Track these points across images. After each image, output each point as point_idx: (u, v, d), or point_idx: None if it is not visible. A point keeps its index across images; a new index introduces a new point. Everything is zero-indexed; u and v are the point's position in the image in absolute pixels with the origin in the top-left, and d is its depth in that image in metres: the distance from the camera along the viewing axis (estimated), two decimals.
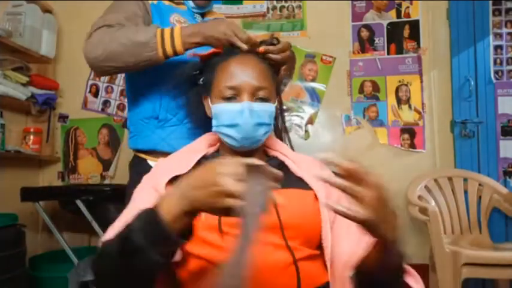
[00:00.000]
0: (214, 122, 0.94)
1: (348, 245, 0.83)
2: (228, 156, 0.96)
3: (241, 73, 0.90)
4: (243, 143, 0.91)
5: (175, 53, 1.05)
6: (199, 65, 1.01)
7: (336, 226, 0.88)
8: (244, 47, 0.96)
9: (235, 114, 0.89)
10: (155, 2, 1.20)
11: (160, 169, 0.93)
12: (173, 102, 1.17)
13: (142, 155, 1.22)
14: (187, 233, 0.67)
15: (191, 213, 0.65)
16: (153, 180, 0.89)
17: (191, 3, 1.26)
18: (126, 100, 2.76)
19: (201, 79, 1.00)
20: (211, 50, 0.99)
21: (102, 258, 0.70)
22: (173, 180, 0.88)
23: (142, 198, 0.87)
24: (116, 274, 0.67)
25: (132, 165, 1.27)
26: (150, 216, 0.64)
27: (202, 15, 1.31)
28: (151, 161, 1.20)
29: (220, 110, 0.91)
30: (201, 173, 0.65)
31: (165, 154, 1.14)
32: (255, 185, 0.61)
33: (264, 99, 0.91)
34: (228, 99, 0.90)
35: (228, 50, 0.98)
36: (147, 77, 1.18)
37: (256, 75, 0.91)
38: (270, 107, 0.93)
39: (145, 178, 0.93)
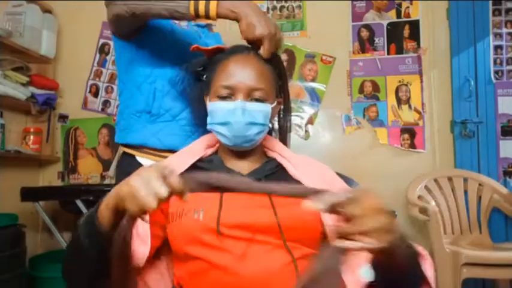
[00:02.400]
0: (209, 119, 0.94)
1: None
2: (226, 156, 0.96)
3: (238, 73, 0.90)
4: (235, 141, 0.91)
5: (207, 13, 0.96)
6: (204, 61, 1.01)
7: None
8: (265, 55, 0.93)
9: (228, 112, 0.90)
10: None
11: None
12: (167, 97, 1.16)
13: (131, 151, 1.19)
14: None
15: (117, 211, 0.64)
16: None
17: None
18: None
19: (204, 76, 1.00)
20: (215, 46, 0.99)
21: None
22: None
23: None
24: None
25: (121, 163, 1.24)
26: (90, 216, 0.68)
27: None
28: (140, 158, 1.17)
29: (214, 108, 0.92)
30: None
31: (155, 150, 1.15)
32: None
33: (259, 100, 0.91)
34: (223, 98, 0.91)
35: (232, 48, 0.98)
36: (142, 69, 1.16)
37: (254, 76, 0.90)
38: (265, 107, 0.92)
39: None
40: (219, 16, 0.96)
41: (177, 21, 1.21)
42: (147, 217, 0.60)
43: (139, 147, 1.18)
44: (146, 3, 0.99)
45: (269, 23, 0.93)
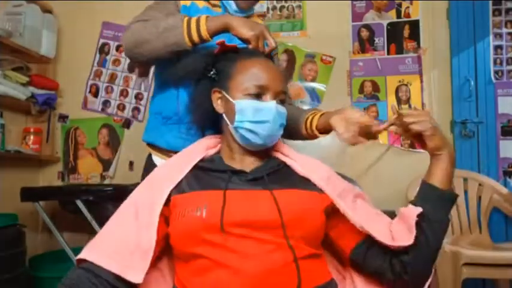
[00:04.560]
0: (237, 117, 0.93)
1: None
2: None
3: (268, 74, 0.93)
4: (266, 140, 0.94)
5: (201, 38, 1.06)
6: (211, 59, 1.01)
7: (357, 208, 0.92)
8: (267, 50, 1.03)
9: (266, 111, 0.92)
10: (188, 4, 1.22)
11: (155, 182, 0.92)
12: (176, 101, 1.19)
13: (148, 148, 1.27)
14: None
15: None
16: (142, 196, 0.90)
17: (233, 6, 1.25)
18: (125, 100, 2.79)
19: (212, 72, 1.00)
20: (234, 44, 1.02)
21: None
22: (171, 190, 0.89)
23: (121, 218, 0.88)
24: None
25: (146, 160, 1.30)
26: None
27: None
28: (154, 156, 1.24)
29: (247, 105, 0.92)
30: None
31: (162, 150, 1.21)
32: None
33: (282, 102, 0.96)
34: (255, 96, 0.93)
35: (246, 49, 1.01)
36: (164, 74, 1.22)
37: (279, 79, 0.95)
38: (286, 110, 0.98)
39: (136, 191, 0.93)
40: (211, 35, 1.06)
41: None
42: None
43: (152, 146, 1.25)
44: (151, 48, 1.08)
45: (253, 26, 1.02)
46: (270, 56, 1.05)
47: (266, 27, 1.06)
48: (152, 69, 2.62)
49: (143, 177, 1.04)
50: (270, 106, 0.92)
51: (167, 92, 1.22)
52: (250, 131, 0.92)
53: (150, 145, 1.26)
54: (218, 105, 0.98)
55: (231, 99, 0.94)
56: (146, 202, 0.87)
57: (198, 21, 1.05)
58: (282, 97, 0.95)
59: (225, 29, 1.05)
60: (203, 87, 1.01)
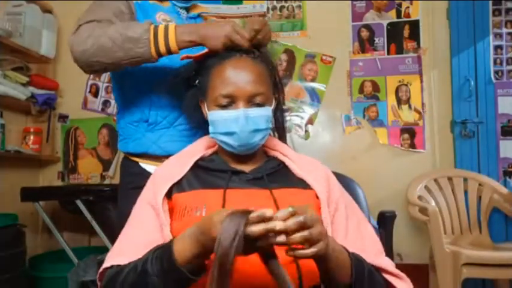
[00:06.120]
0: (211, 129, 0.93)
1: (347, 244, 0.84)
2: (226, 159, 0.96)
3: (236, 79, 0.88)
4: (240, 149, 0.91)
5: (169, 52, 0.99)
6: (193, 67, 0.99)
7: (334, 226, 0.88)
8: (246, 45, 0.94)
9: (231, 122, 0.88)
10: (139, 0, 1.16)
11: (157, 180, 0.92)
12: (163, 105, 1.16)
13: (134, 158, 1.20)
14: (200, 270, 0.71)
15: (203, 255, 0.69)
16: (150, 196, 0.89)
17: None
18: None
19: (197, 81, 0.98)
20: (204, 50, 0.97)
21: None
22: (171, 189, 0.89)
23: (141, 218, 0.88)
24: None
25: (123, 165, 1.24)
26: (166, 261, 0.70)
27: (187, 10, 1.26)
28: (143, 164, 1.18)
29: (216, 117, 0.90)
30: (203, 221, 0.69)
31: (157, 157, 1.15)
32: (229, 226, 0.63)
33: (260, 105, 0.90)
34: (224, 106, 0.89)
35: (223, 52, 0.95)
36: (135, 79, 1.16)
37: (252, 80, 0.89)
38: (267, 111, 0.91)
39: (143, 192, 0.93)
40: (180, 49, 1.00)
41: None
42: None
43: (141, 155, 1.18)
44: (112, 57, 1.00)
45: (223, 26, 0.94)
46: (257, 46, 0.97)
47: (234, 22, 0.97)
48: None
49: (130, 185, 1.01)
50: (235, 115, 0.88)
51: (142, 98, 1.16)
52: (223, 142, 0.91)
53: (138, 155, 1.18)
54: (204, 113, 0.97)
55: (206, 110, 0.94)
56: (152, 202, 0.88)
57: (166, 32, 0.98)
58: (259, 99, 0.89)
59: (197, 44, 0.98)
60: (192, 96, 1.00)
